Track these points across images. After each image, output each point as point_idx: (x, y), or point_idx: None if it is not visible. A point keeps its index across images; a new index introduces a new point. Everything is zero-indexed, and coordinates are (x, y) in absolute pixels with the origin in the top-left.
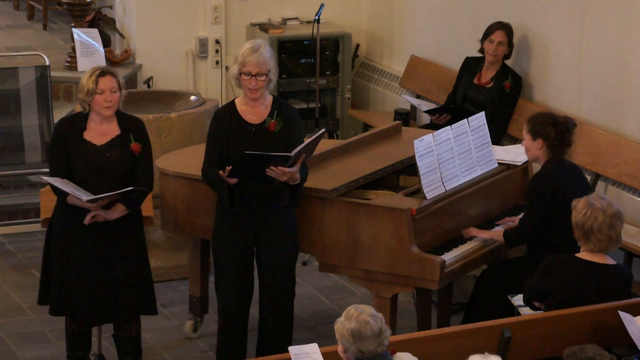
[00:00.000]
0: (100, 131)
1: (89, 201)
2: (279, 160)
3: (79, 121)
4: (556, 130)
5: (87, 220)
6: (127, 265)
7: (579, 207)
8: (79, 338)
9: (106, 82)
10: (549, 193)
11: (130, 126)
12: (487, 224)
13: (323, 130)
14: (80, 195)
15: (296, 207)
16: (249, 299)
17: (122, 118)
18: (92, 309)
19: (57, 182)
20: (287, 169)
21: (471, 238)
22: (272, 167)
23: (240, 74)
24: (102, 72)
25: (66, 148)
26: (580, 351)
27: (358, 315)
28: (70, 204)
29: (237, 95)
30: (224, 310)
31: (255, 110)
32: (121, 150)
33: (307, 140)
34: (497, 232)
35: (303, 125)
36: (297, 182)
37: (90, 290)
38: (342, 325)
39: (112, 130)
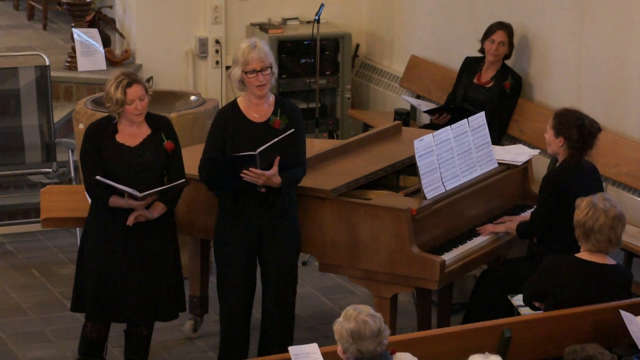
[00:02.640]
0: (132, 133)
1: (142, 197)
2: (246, 161)
3: (109, 125)
4: (579, 133)
5: (131, 221)
6: (168, 266)
7: (582, 206)
8: (95, 346)
9: (134, 92)
10: (560, 193)
11: (159, 125)
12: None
13: (292, 130)
14: (133, 192)
15: (281, 209)
16: (252, 299)
17: (150, 117)
18: (136, 313)
19: (108, 180)
20: (259, 171)
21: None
22: (244, 171)
23: (245, 73)
24: (129, 82)
25: (100, 152)
26: (581, 349)
27: (357, 316)
28: (112, 206)
29: (237, 95)
30: (227, 311)
31: (259, 108)
32: (155, 150)
33: (273, 140)
34: (512, 225)
35: (304, 124)
36: (281, 185)
37: (134, 293)
38: (341, 325)
39: (142, 131)
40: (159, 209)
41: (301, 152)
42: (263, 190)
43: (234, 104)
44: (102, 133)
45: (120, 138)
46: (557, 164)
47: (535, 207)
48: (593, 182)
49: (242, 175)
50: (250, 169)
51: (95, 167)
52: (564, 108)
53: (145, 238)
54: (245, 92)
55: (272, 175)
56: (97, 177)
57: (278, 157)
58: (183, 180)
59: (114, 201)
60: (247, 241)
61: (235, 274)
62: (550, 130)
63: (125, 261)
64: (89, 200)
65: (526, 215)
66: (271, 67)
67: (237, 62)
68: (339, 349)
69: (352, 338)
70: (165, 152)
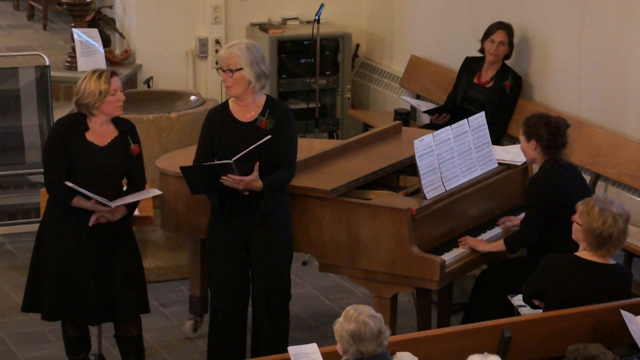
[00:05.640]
0: (101, 132)
1: (113, 207)
2: (223, 168)
3: (79, 122)
4: (548, 131)
5: (92, 221)
6: (124, 266)
7: (595, 213)
8: (78, 342)
9: (117, 83)
10: (548, 194)
11: (126, 128)
12: (487, 224)
13: (268, 137)
14: (106, 201)
15: (267, 214)
16: (245, 300)
17: (116, 120)
18: (92, 313)
19: (79, 188)
20: (238, 177)
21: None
22: (224, 177)
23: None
24: (112, 73)
25: (68, 149)
26: (583, 348)
27: (357, 316)
28: (74, 206)
29: None
30: (214, 310)
31: (247, 109)
32: (122, 152)
33: (249, 148)
34: (497, 244)
35: (295, 125)
36: (263, 189)
37: (91, 293)
38: (342, 326)
39: (111, 131)
40: (120, 212)
41: (289, 153)
42: (246, 193)
43: (224, 104)
44: (71, 130)
45: (90, 136)
46: (538, 169)
47: (524, 216)
48: (576, 179)
49: (222, 180)
50: (229, 175)
51: (57, 165)
52: (531, 113)
53: (103, 239)
54: None
55: (252, 180)
56: (68, 184)
57: (257, 163)
58: (160, 192)
59: (78, 202)
60: (236, 242)
61: (225, 275)
62: (522, 137)
63: (82, 261)
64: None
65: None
66: (237, 71)
67: None
68: (338, 346)
69: (352, 339)
70: (131, 156)
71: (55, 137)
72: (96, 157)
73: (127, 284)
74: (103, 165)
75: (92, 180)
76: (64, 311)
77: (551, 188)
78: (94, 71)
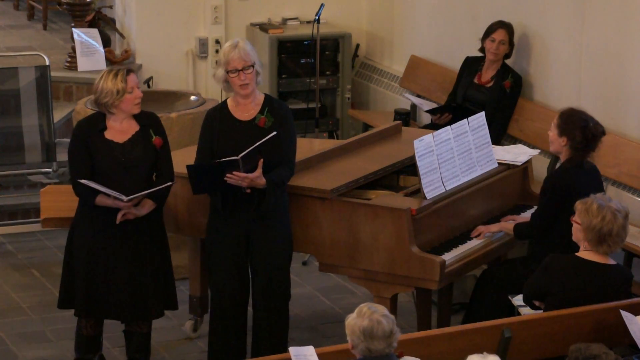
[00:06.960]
0: (121, 129)
1: (127, 201)
2: (229, 165)
3: (98, 122)
4: (583, 135)
5: (119, 218)
6: (155, 262)
7: (593, 210)
8: (91, 342)
9: (134, 80)
10: (562, 192)
11: (148, 121)
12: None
13: (274, 133)
14: (120, 195)
15: (268, 211)
16: (245, 299)
17: (138, 114)
18: (123, 309)
19: (93, 184)
20: (243, 174)
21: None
22: (228, 175)
23: (227, 73)
24: (128, 71)
25: (89, 149)
26: (586, 348)
27: (371, 314)
28: (98, 204)
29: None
30: (214, 309)
31: (246, 108)
32: (144, 146)
33: (255, 144)
34: (507, 225)
35: (293, 123)
36: (266, 187)
37: (122, 290)
38: (354, 321)
39: (131, 127)
40: (147, 206)
41: (288, 151)
42: (248, 191)
43: (223, 104)
44: (90, 130)
45: (109, 135)
46: (559, 164)
47: (536, 208)
48: (594, 182)
49: (226, 178)
50: (234, 172)
51: (82, 166)
52: (570, 108)
53: (132, 235)
54: (234, 92)
55: (256, 177)
56: (82, 181)
57: (261, 160)
58: (169, 183)
59: (101, 200)
60: (235, 241)
61: (224, 273)
62: (554, 128)
63: (112, 258)
64: None
65: (528, 215)
66: (253, 66)
67: (220, 63)
68: (349, 342)
69: (363, 336)
70: (154, 149)
71: (75, 139)
72: (116, 155)
73: (157, 281)
74: (123, 162)
75: (116, 178)
76: (95, 308)
77: (566, 187)
78: (110, 70)
